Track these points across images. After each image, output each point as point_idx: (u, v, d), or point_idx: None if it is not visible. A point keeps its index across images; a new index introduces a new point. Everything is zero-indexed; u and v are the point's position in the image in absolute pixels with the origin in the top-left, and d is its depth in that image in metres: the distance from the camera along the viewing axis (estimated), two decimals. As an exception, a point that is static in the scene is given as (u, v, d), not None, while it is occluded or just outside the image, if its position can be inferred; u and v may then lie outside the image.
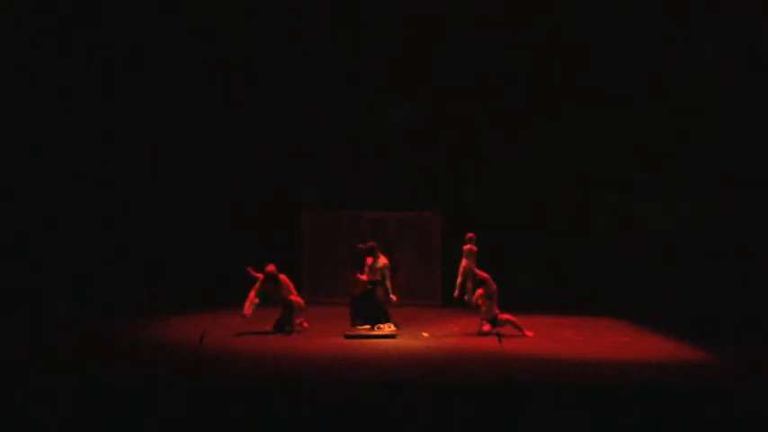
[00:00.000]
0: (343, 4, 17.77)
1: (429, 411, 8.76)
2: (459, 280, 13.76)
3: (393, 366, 10.90)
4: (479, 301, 13.21)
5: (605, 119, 17.77)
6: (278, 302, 13.20)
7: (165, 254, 17.35)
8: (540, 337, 13.05)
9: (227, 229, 17.46)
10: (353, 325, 13.37)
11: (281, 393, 9.23)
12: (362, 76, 17.94)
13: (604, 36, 17.53)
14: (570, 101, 17.84)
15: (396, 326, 13.39)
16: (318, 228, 17.05)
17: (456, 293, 13.71)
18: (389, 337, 12.98)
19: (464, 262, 13.85)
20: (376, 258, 13.43)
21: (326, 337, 12.80)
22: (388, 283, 13.36)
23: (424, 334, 13.30)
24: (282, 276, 13.15)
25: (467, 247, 13.96)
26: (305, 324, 13.27)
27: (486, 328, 13.09)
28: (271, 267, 13.07)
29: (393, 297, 13.39)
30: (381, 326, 13.27)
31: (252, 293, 12.97)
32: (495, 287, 13.16)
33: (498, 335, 12.36)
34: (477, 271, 13.42)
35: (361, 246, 13.73)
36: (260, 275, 13.05)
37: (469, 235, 14.12)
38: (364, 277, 13.38)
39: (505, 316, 13.12)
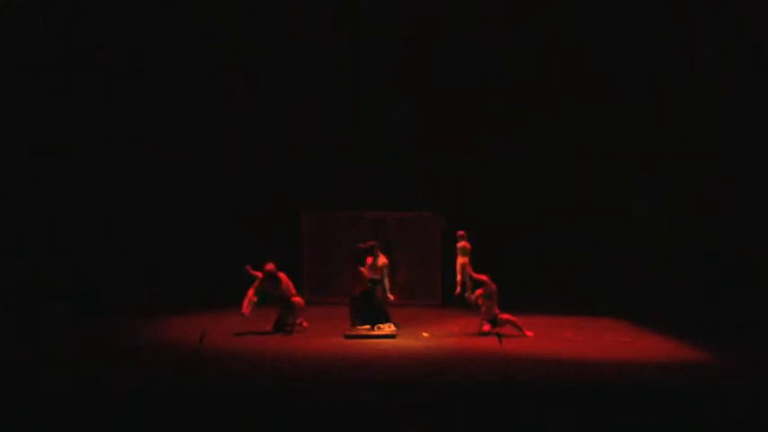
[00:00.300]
0: (344, 4, 17.76)
1: (429, 411, 8.76)
2: (458, 278, 13.74)
3: (393, 366, 10.89)
4: (479, 301, 13.21)
5: (605, 119, 17.78)
6: (277, 301, 13.20)
7: (165, 254, 17.35)
8: (540, 337, 13.05)
9: (227, 229, 17.47)
10: (353, 325, 13.36)
11: (281, 393, 9.23)
12: (362, 76, 17.94)
13: (604, 36, 17.53)
14: (570, 101, 17.84)
15: (396, 326, 13.39)
16: (318, 228, 17.05)
17: (458, 290, 13.68)
18: (389, 337, 12.98)
19: (460, 259, 13.83)
20: (376, 258, 13.44)
21: (326, 337, 12.80)
22: (386, 282, 13.37)
23: (424, 334, 13.30)
24: (282, 275, 13.15)
25: (460, 244, 13.95)
26: (305, 324, 13.27)
27: (486, 328, 13.09)
28: (270, 266, 13.06)
29: (391, 297, 13.40)
30: (381, 326, 13.27)
31: (251, 292, 12.96)
32: (494, 287, 13.16)
33: (498, 335, 12.36)
34: (476, 275, 13.40)
35: (361, 245, 13.73)
36: (259, 274, 13.05)
37: (460, 233, 14.12)
38: (366, 272, 13.38)
39: (505, 316, 13.13)
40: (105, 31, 17.54)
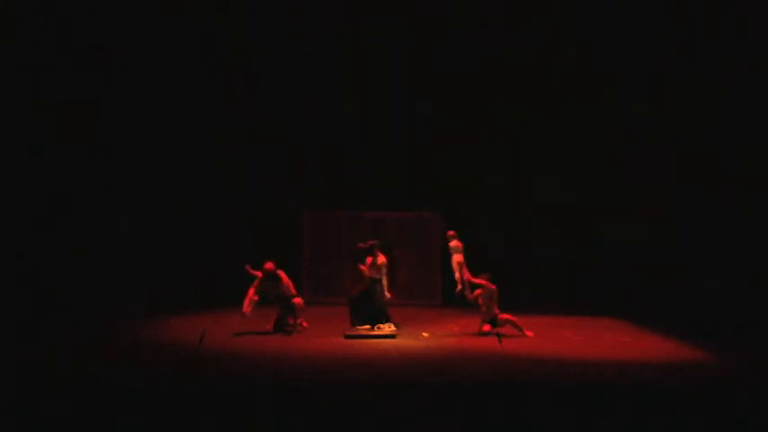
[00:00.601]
0: (343, 4, 17.76)
1: (429, 411, 8.76)
2: (456, 275, 13.72)
3: (393, 366, 10.89)
4: (479, 301, 13.21)
5: (606, 119, 17.77)
6: (277, 300, 13.21)
7: (165, 254, 17.34)
8: (540, 337, 13.05)
9: (227, 229, 17.46)
10: (353, 325, 13.37)
11: (281, 393, 9.23)
12: (362, 75, 17.94)
13: (604, 36, 17.52)
14: (570, 101, 17.84)
15: (396, 326, 13.39)
16: (318, 228, 17.06)
17: (458, 287, 13.66)
18: (389, 337, 12.98)
19: (455, 258, 13.82)
20: (376, 257, 13.45)
21: (326, 337, 12.80)
22: (384, 280, 13.38)
23: (424, 334, 13.30)
24: (282, 273, 13.16)
25: (452, 243, 13.94)
26: (305, 324, 13.27)
27: (487, 328, 13.10)
28: (269, 265, 13.09)
29: (388, 294, 13.40)
30: (381, 326, 13.28)
31: (251, 291, 12.98)
32: (494, 288, 13.16)
33: (498, 335, 12.36)
34: (474, 279, 13.37)
35: (361, 245, 13.73)
36: (259, 274, 13.06)
37: (450, 233, 14.12)
38: (366, 270, 13.38)
39: (505, 316, 13.13)
40: (105, 31, 17.53)
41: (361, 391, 9.37)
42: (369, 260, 13.48)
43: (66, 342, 12.16)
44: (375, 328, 13.23)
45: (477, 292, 13.23)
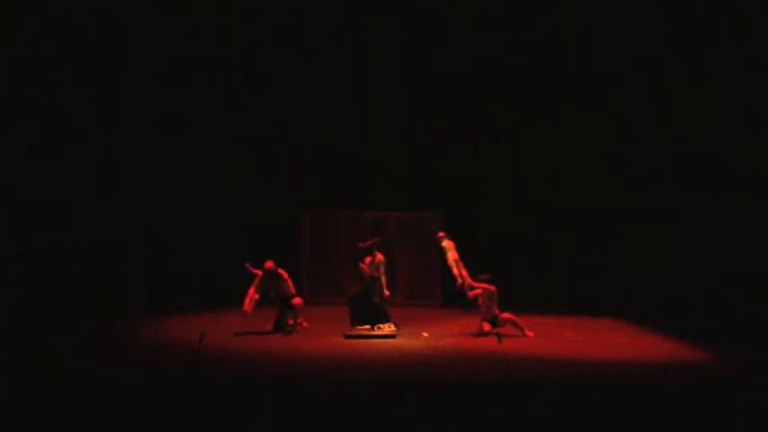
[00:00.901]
0: (343, 4, 17.75)
1: (429, 411, 8.76)
2: (455, 271, 13.69)
3: (393, 366, 10.89)
4: (479, 300, 13.20)
5: (606, 119, 17.77)
6: (277, 298, 13.20)
7: (165, 254, 17.34)
8: (540, 337, 13.05)
9: (227, 228, 17.46)
10: (353, 325, 13.37)
11: (281, 393, 9.23)
12: (362, 75, 17.94)
13: (604, 36, 17.52)
14: (570, 101, 17.84)
15: (396, 326, 13.39)
16: (318, 228, 17.06)
17: (459, 281, 13.62)
18: (389, 337, 12.98)
19: (449, 256, 13.80)
20: (374, 256, 13.46)
21: (326, 337, 12.80)
22: (383, 278, 13.38)
23: (424, 334, 13.30)
24: (282, 271, 13.18)
25: (443, 243, 13.93)
26: (305, 324, 13.28)
27: (487, 327, 13.09)
28: (269, 264, 13.12)
29: (386, 292, 13.38)
30: (381, 326, 13.28)
31: (251, 290, 13.00)
32: (494, 288, 13.15)
33: (498, 335, 12.35)
34: (475, 283, 13.34)
35: (361, 245, 13.73)
36: (259, 272, 13.08)
37: (440, 234, 14.13)
38: (366, 269, 13.39)
39: (506, 315, 13.12)
40: (105, 31, 17.53)
41: (361, 391, 9.37)
42: (368, 260, 13.49)
43: (66, 342, 12.16)
44: (375, 328, 13.23)
45: (477, 291, 13.22)
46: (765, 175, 16.74)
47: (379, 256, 13.51)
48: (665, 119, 17.56)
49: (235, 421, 8.40)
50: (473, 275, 13.45)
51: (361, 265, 13.46)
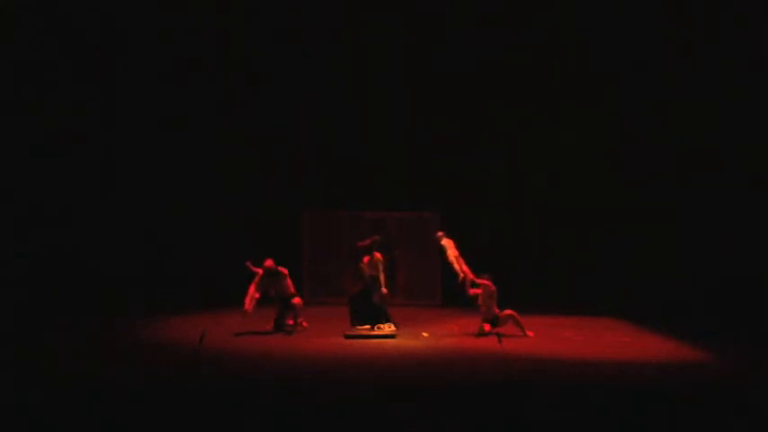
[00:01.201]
0: (343, 4, 17.75)
1: (429, 411, 8.76)
2: (456, 267, 13.66)
3: (393, 366, 10.89)
4: (479, 300, 13.19)
5: (606, 119, 17.77)
6: (277, 297, 13.20)
7: (165, 254, 17.35)
8: (540, 337, 13.05)
9: (227, 228, 17.46)
10: (353, 325, 13.37)
11: (281, 393, 9.23)
12: (362, 75, 17.94)
13: (604, 36, 17.52)
14: (571, 101, 17.84)
15: (396, 326, 13.39)
16: (318, 228, 17.07)
17: (461, 276, 13.59)
18: (389, 337, 12.98)
19: (449, 254, 13.79)
20: (372, 255, 13.47)
21: (326, 337, 12.80)
22: (381, 276, 13.37)
23: (424, 334, 13.30)
24: (282, 269, 13.18)
25: (442, 242, 13.92)
26: (305, 324, 13.28)
27: (487, 328, 13.09)
28: (269, 262, 13.14)
29: (384, 290, 13.37)
30: (381, 326, 13.28)
31: (252, 288, 13.02)
32: (493, 288, 13.15)
33: (498, 335, 12.36)
34: (476, 279, 13.33)
35: (362, 243, 13.73)
36: (259, 271, 13.09)
37: (439, 233, 14.13)
38: (366, 268, 13.40)
39: (508, 312, 13.10)
40: (105, 31, 17.53)
41: (361, 391, 9.37)
42: (365, 259, 13.49)
43: (66, 342, 12.16)
44: (375, 328, 13.23)
45: (477, 291, 13.21)
46: (765, 175, 16.74)
47: (378, 255, 13.51)
48: (665, 119, 17.56)
49: (235, 421, 8.40)
50: (474, 276, 13.43)
51: (362, 265, 13.47)
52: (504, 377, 9.73)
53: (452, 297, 14.57)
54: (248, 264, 13.16)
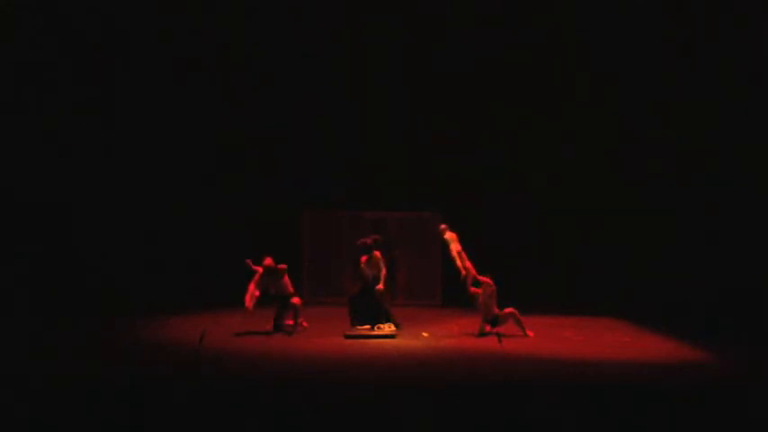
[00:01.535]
0: (343, 4, 17.75)
1: (429, 411, 8.76)
2: (458, 263, 13.65)
3: (393, 366, 10.90)
4: (479, 300, 13.18)
5: (606, 119, 17.76)
6: (277, 296, 13.19)
7: (166, 254, 17.35)
8: (540, 337, 13.05)
9: (227, 228, 17.46)
10: (353, 325, 13.37)
11: (281, 393, 9.23)
12: (362, 75, 17.94)
13: (604, 36, 17.52)
14: (571, 101, 17.83)
15: (398, 326, 13.39)
16: (318, 228, 17.07)
17: (463, 273, 13.58)
18: (389, 337, 12.99)
19: (452, 248, 13.78)
20: (371, 254, 13.47)
21: (326, 337, 12.80)
22: (383, 272, 13.36)
23: (424, 334, 13.30)
24: (282, 266, 13.18)
25: (445, 236, 13.91)
26: (304, 324, 13.29)
27: (487, 328, 13.09)
28: (269, 261, 13.15)
29: (380, 287, 13.33)
30: (381, 326, 13.29)
31: (252, 286, 13.03)
32: (494, 287, 13.14)
33: (498, 335, 12.36)
34: (479, 276, 13.32)
35: (365, 240, 13.73)
36: (259, 269, 13.10)
37: (442, 226, 14.11)
38: (366, 269, 13.41)
39: (509, 310, 13.08)
40: (105, 31, 17.53)
41: (361, 391, 9.37)
42: (364, 258, 13.49)
43: (66, 342, 12.16)
44: (375, 328, 13.23)
45: (478, 291, 13.20)
46: (765, 175, 16.74)
47: (377, 254, 13.52)
48: (665, 119, 17.56)
49: (235, 421, 8.40)
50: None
51: (362, 265, 13.47)
52: (504, 377, 9.73)
53: (453, 297, 14.56)
54: (248, 262, 13.17)
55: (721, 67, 17.00)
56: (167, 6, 17.56)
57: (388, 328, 13.28)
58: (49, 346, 11.76)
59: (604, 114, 17.78)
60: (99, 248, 17.38)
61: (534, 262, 17.28)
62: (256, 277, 13.07)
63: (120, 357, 11.12)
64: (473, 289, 13.27)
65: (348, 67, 17.99)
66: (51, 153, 17.37)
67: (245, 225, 17.20)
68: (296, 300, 13.28)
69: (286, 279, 13.24)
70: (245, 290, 13.03)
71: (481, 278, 13.23)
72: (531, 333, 13.13)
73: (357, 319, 13.41)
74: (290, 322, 13.26)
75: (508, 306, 13.15)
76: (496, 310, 13.11)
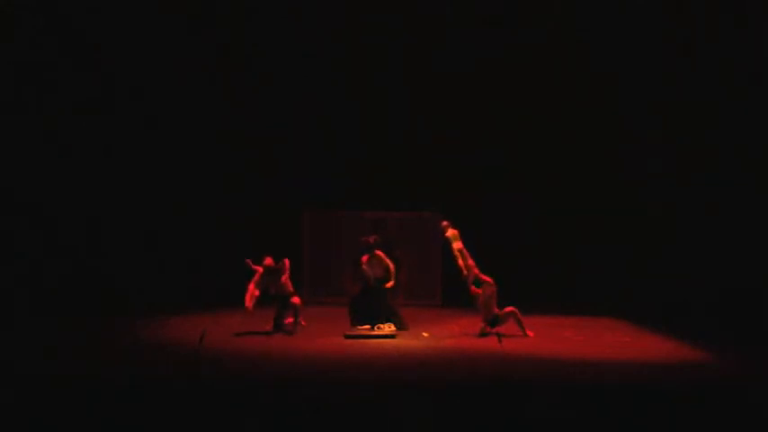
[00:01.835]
0: (343, 4, 17.75)
1: (429, 411, 8.76)
2: (460, 262, 13.64)
3: (393, 366, 10.90)
4: (480, 300, 13.18)
5: (606, 119, 17.76)
6: (278, 295, 13.18)
7: (166, 254, 17.35)
8: (540, 337, 13.05)
9: (227, 228, 17.46)
10: (353, 325, 13.37)
11: (281, 393, 9.23)
12: (362, 75, 17.93)
13: (604, 36, 17.51)
14: (571, 101, 17.83)
15: (405, 326, 13.39)
16: (318, 228, 17.07)
17: (465, 272, 13.56)
18: (389, 337, 12.99)
19: (454, 246, 13.76)
20: (372, 254, 13.48)
21: (326, 337, 12.80)
22: (390, 269, 13.38)
23: (424, 334, 13.30)
24: (286, 262, 13.16)
25: (447, 233, 13.88)
26: (303, 323, 13.29)
27: (487, 329, 13.08)
28: (269, 260, 13.15)
29: (391, 283, 13.34)
30: (381, 326, 13.29)
31: (251, 286, 13.02)
32: (495, 287, 13.13)
33: (498, 335, 12.37)
34: (482, 276, 13.32)
35: (368, 239, 13.74)
36: (259, 269, 13.10)
37: (444, 223, 14.08)
38: (368, 269, 13.42)
39: (509, 309, 13.07)
40: (105, 31, 17.53)
41: (361, 391, 9.37)
42: (365, 258, 13.49)
43: (66, 342, 12.16)
44: (375, 328, 13.24)
45: (478, 291, 13.19)
46: (765, 176, 16.73)
47: (379, 253, 13.52)
48: (665, 119, 17.55)
49: (235, 421, 8.40)
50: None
51: (364, 265, 13.48)
52: (504, 377, 9.73)
53: (453, 297, 14.55)
54: (248, 262, 13.17)
55: (721, 67, 16.99)
56: (167, 6, 17.55)
57: (388, 328, 13.28)
58: (49, 346, 11.75)
59: (604, 114, 17.76)
60: (99, 248, 17.38)
61: (534, 262, 17.28)
62: (256, 277, 13.07)
63: (120, 357, 11.12)
64: (474, 289, 13.26)
65: (348, 67, 17.99)
66: (51, 153, 17.36)
67: (245, 225, 17.20)
68: (296, 299, 13.28)
69: (286, 278, 13.23)
70: (245, 290, 13.03)
71: (483, 277, 13.22)
72: (531, 333, 13.13)
73: (357, 319, 13.41)
74: (290, 321, 13.26)
75: (508, 306, 13.14)
76: (496, 310, 13.10)
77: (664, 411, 8.78)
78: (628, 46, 17.47)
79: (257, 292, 13.03)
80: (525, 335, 13.05)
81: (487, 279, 13.16)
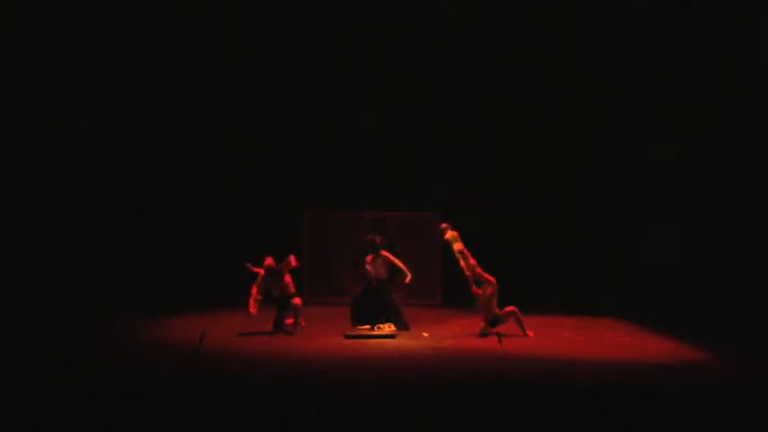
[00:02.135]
0: (343, 4, 17.75)
1: (429, 411, 8.76)
2: (462, 263, 13.61)
3: (393, 366, 10.90)
4: (480, 300, 13.18)
5: (606, 119, 17.76)
6: (280, 295, 13.17)
7: (166, 254, 17.35)
8: (540, 337, 13.05)
9: (227, 228, 17.46)
10: (354, 325, 13.37)
11: (281, 393, 9.23)
12: (362, 75, 17.93)
13: (604, 36, 17.51)
14: (571, 101, 17.83)
15: (406, 326, 13.39)
16: (318, 228, 17.07)
17: (467, 273, 13.54)
18: (389, 337, 12.99)
19: (455, 247, 13.74)
20: (377, 254, 13.47)
21: (326, 337, 12.80)
22: (401, 266, 13.44)
23: (424, 334, 13.30)
24: (292, 258, 13.15)
25: (448, 235, 13.84)
26: (303, 323, 13.29)
27: (487, 329, 13.08)
28: (269, 261, 13.14)
29: (409, 278, 13.45)
30: (381, 326, 13.29)
31: (254, 290, 13.01)
32: (495, 287, 13.13)
33: (498, 335, 12.37)
34: (484, 274, 13.30)
35: (374, 238, 13.74)
36: (260, 270, 13.09)
37: (443, 225, 14.04)
38: (371, 269, 13.41)
39: (508, 309, 13.07)
40: (105, 31, 17.53)
41: (361, 391, 9.37)
42: (369, 258, 13.49)
43: (66, 342, 12.16)
44: (375, 328, 13.24)
45: (479, 291, 13.18)
46: (765, 176, 16.73)
47: (384, 253, 13.53)
48: (665, 119, 17.55)
49: (235, 421, 8.40)
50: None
51: (367, 264, 13.47)
52: (504, 377, 9.73)
53: (453, 297, 14.55)
54: (248, 265, 13.15)
55: (721, 67, 16.98)
56: (167, 6, 17.55)
57: (388, 328, 13.28)
58: (48, 346, 11.75)
59: (604, 114, 17.75)
60: (99, 248, 17.38)
61: (534, 262, 17.27)
62: (258, 280, 13.05)
63: (120, 357, 11.13)
64: (475, 289, 13.25)
65: (348, 67, 17.99)
66: (51, 153, 17.36)
67: (245, 225, 17.20)
68: (297, 300, 13.27)
69: (288, 279, 13.22)
70: (245, 290, 13.03)
71: (485, 275, 13.21)
72: (531, 333, 13.13)
73: (357, 319, 13.41)
74: (290, 321, 13.26)
75: (508, 305, 13.14)
76: (496, 310, 13.10)
77: (664, 411, 8.78)
78: (628, 46, 17.47)
79: (260, 296, 13.02)
80: (525, 335, 13.06)
81: (490, 278, 13.15)
